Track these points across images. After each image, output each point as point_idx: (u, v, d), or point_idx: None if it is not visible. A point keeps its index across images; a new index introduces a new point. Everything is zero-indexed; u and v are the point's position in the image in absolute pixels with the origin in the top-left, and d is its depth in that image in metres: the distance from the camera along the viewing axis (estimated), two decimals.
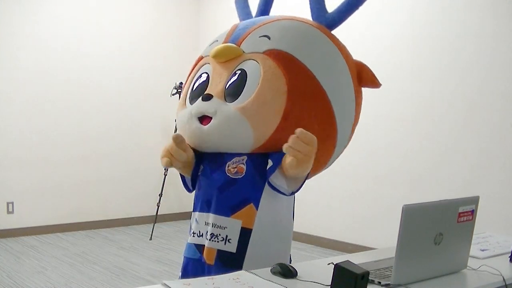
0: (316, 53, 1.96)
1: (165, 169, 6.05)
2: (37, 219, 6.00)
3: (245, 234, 1.87)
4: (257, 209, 1.88)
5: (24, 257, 5.05)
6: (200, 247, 1.94)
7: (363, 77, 2.05)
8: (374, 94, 5.28)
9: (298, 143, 1.68)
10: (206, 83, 1.98)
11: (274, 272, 1.75)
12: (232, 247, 1.87)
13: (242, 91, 1.87)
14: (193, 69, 2.13)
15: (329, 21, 2.05)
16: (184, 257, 2.02)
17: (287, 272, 1.73)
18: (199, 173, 2.01)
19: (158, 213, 6.17)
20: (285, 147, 1.70)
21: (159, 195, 6.11)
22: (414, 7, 4.89)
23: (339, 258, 1.77)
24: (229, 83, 1.91)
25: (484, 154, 4.42)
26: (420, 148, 4.85)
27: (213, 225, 1.89)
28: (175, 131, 2.03)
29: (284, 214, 1.98)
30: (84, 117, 6.32)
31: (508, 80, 4.28)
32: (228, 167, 1.89)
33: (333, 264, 1.50)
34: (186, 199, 6.97)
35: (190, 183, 2.05)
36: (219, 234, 1.87)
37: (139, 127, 6.71)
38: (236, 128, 1.85)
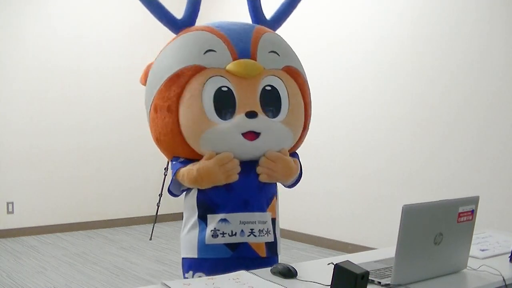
0: (298, 59, 2.20)
1: (165, 169, 6.05)
2: (37, 219, 5.99)
3: (274, 223, 2.10)
4: (277, 199, 2.13)
5: (24, 257, 5.05)
6: (232, 246, 2.00)
7: None
8: (373, 94, 5.25)
9: (266, 162, 1.99)
10: (230, 97, 1.98)
11: (274, 272, 1.75)
12: (271, 237, 2.07)
13: (281, 106, 2.03)
14: (189, 79, 2.02)
15: (270, 26, 2.23)
16: (211, 258, 2.01)
17: (287, 272, 1.73)
18: None
19: (158, 213, 6.17)
20: (258, 169, 2.00)
21: (159, 195, 6.10)
22: (414, 8, 4.88)
23: (339, 258, 1.77)
24: (265, 99, 2.01)
25: (484, 154, 4.41)
26: (421, 148, 4.85)
27: (258, 222, 2.04)
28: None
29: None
30: (85, 118, 6.31)
31: (507, 79, 4.28)
32: None
33: (333, 264, 1.50)
34: None
35: (180, 187, 2.11)
36: (263, 229, 2.04)
37: (139, 128, 6.66)
38: (284, 141, 2.06)
